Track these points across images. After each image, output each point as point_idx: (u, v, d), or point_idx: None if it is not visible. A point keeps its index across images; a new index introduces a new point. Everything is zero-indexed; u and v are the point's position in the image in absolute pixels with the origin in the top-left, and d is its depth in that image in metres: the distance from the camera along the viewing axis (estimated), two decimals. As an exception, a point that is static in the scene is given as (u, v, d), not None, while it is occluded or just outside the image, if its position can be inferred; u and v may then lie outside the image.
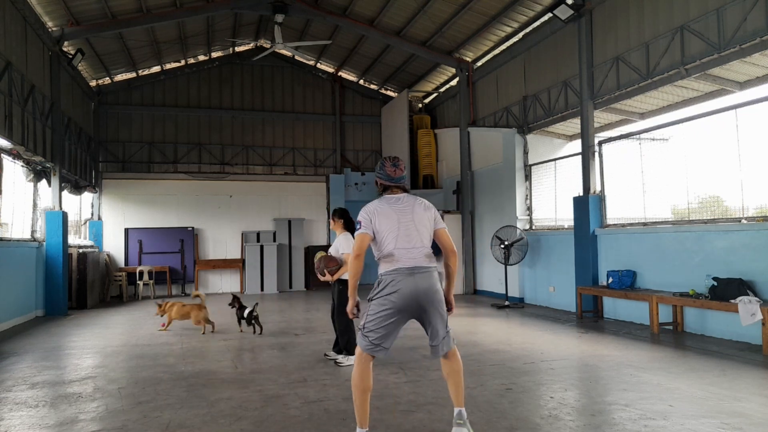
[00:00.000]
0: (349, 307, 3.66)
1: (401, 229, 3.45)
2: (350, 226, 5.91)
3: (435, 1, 11.25)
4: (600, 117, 9.65)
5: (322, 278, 5.90)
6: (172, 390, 4.84)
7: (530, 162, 11.21)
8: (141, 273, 13.51)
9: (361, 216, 3.53)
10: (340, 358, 5.85)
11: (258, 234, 15.35)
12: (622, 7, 8.69)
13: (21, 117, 8.93)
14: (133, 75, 14.83)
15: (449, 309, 3.56)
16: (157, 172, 14.97)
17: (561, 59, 10.19)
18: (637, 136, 8.67)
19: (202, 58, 15.45)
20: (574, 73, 9.69)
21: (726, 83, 7.78)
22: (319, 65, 16.48)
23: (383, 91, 16.97)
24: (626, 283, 8.17)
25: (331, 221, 6.13)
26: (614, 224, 9.06)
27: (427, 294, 3.38)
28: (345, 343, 5.85)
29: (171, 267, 14.42)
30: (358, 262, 3.60)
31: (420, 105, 15.92)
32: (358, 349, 3.46)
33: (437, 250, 3.74)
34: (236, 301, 8.11)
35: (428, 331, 3.49)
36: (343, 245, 5.82)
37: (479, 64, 13.06)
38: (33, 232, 10.15)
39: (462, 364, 3.59)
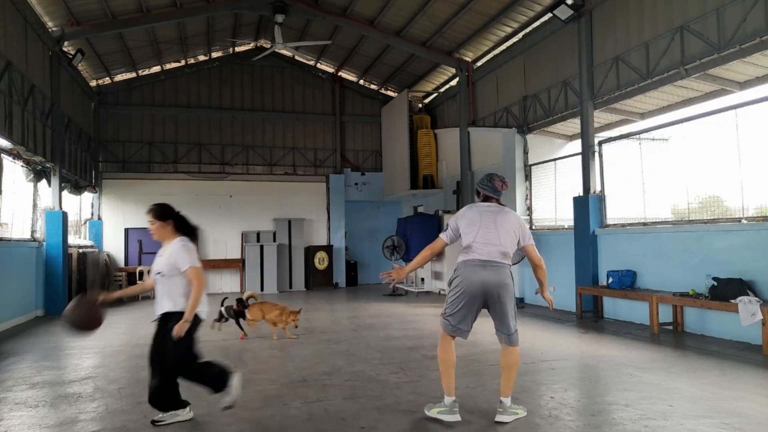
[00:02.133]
0: (396, 273, 4.12)
1: (482, 227, 3.91)
2: (186, 229, 4.06)
3: (435, 1, 11.24)
4: (600, 117, 9.65)
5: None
6: (172, 390, 4.83)
7: (530, 162, 11.21)
8: (141, 273, 13.50)
9: (450, 222, 4.09)
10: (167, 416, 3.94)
11: (258, 234, 15.35)
12: (621, 8, 8.69)
13: (21, 117, 8.94)
14: (133, 75, 14.84)
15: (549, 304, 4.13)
16: (157, 172, 14.97)
17: (561, 59, 10.19)
18: (637, 136, 8.67)
19: (202, 58, 15.45)
20: (574, 73, 9.69)
21: (726, 83, 7.78)
22: (319, 65, 16.48)
23: (383, 91, 16.97)
24: (626, 283, 8.17)
25: (152, 223, 3.98)
26: (614, 224, 9.05)
27: (495, 286, 3.81)
28: (210, 380, 3.93)
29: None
30: (429, 253, 4.15)
31: (420, 105, 15.91)
32: (440, 330, 4.01)
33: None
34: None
35: (495, 320, 3.92)
36: (181, 257, 3.85)
37: (479, 64, 13.06)
38: (33, 232, 10.15)
39: (518, 361, 3.98)
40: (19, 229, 9.75)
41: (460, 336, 3.93)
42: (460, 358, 6.00)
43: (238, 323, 7.54)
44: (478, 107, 13.20)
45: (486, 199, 4.10)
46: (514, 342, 3.89)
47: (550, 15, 9.98)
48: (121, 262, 14.23)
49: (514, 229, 3.94)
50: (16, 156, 9.44)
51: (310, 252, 15.42)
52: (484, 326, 8.30)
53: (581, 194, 9.39)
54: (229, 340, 7.42)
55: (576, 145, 10.34)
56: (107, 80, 14.55)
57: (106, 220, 14.36)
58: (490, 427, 3.76)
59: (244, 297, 7.69)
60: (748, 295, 6.22)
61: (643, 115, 9.59)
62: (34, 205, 10.32)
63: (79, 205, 13.64)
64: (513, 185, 11.31)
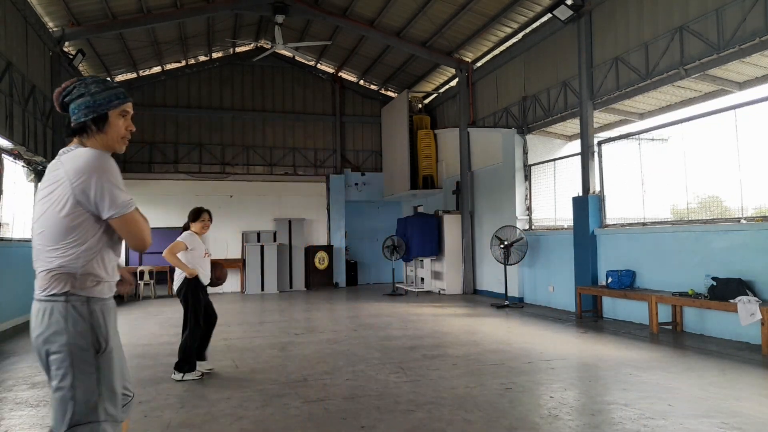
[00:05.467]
0: None
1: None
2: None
3: (435, 1, 11.26)
4: (599, 117, 9.66)
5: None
6: (172, 389, 4.86)
7: (530, 162, 11.23)
8: (142, 273, 13.53)
9: None
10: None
11: (258, 234, 15.36)
12: (621, 8, 8.71)
13: (22, 117, 8.95)
14: (133, 75, 14.86)
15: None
16: (157, 172, 14.99)
17: (560, 60, 10.21)
18: (637, 136, 8.69)
19: (202, 58, 15.47)
20: (574, 73, 9.71)
21: (725, 83, 7.79)
22: (319, 66, 16.50)
23: (383, 91, 16.99)
24: (625, 283, 8.18)
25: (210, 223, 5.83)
26: (613, 224, 9.07)
27: (34, 343, 2.01)
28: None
29: (171, 267, 14.41)
30: None
31: (420, 105, 15.93)
32: None
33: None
34: None
35: None
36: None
37: (479, 64, 13.08)
38: (34, 232, 10.16)
39: None
40: (20, 229, 9.76)
41: None
42: (459, 357, 6.04)
43: None
44: (477, 107, 13.21)
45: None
46: None
47: (549, 15, 10.00)
48: (122, 262, 14.23)
49: (58, 190, 1.99)
50: (16, 156, 9.45)
51: (310, 252, 15.44)
52: (484, 326, 8.37)
53: (581, 194, 9.41)
54: (230, 340, 7.44)
55: (575, 146, 10.36)
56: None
57: (106, 220, 14.37)
58: (490, 427, 3.78)
59: None
60: (748, 294, 6.23)
61: (642, 116, 9.61)
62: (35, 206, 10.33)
63: (79, 205, 13.65)
64: (512, 185, 11.34)
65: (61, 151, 2.07)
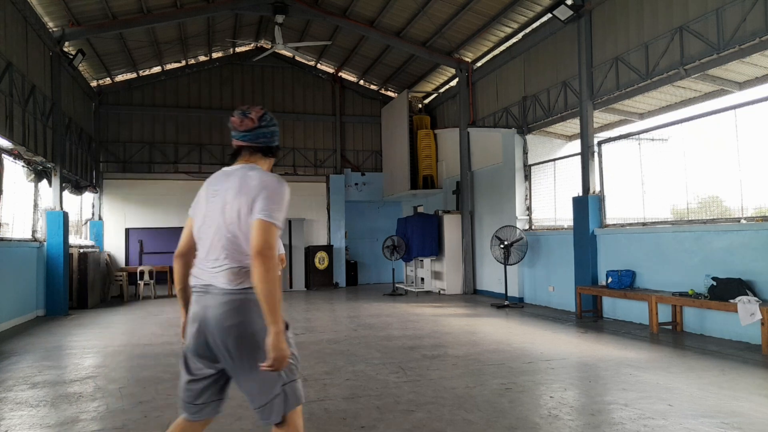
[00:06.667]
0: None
1: (203, 224, 2.37)
2: None
3: (435, 1, 11.26)
4: (599, 117, 9.66)
5: None
6: (173, 389, 4.85)
7: (530, 162, 11.23)
8: (142, 273, 13.52)
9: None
10: None
11: (258, 234, 15.34)
12: (621, 8, 8.71)
13: (22, 117, 8.95)
14: (133, 75, 14.86)
15: (270, 365, 2.10)
16: (157, 172, 15.00)
17: (560, 60, 10.21)
18: (637, 136, 8.69)
19: (202, 58, 15.47)
20: (574, 73, 9.71)
21: (725, 83, 7.80)
22: (319, 66, 16.50)
23: (383, 91, 16.99)
24: (625, 283, 8.18)
25: None
26: (613, 224, 9.07)
27: (216, 329, 2.21)
28: None
29: (171, 267, 14.42)
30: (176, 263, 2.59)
31: (420, 105, 15.93)
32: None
33: None
34: None
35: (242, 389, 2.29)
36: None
37: (479, 64, 13.08)
38: (34, 232, 10.17)
39: None
40: (20, 229, 9.77)
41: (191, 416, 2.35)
42: (459, 357, 6.04)
43: None
44: (477, 107, 13.21)
45: (236, 155, 2.47)
46: (285, 407, 2.23)
47: (549, 15, 9.99)
48: (122, 262, 14.25)
49: (244, 207, 2.23)
50: (16, 156, 9.45)
51: (310, 252, 15.44)
52: (484, 326, 8.37)
53: (581, 194, 9.41)
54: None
55: (575, 146, 10.36)
56: (108, 80, 14.57)
57: (106, 220, 14.38)
58: (490, 427, 3.78)
59: None
60: (748, 294, 6.23)
61: (642, 116, 9.61)
62: (35, 205, 10.34)
63: (79, 205, 13.66)
64: (512, 185, 11.34)
65: (247, 165, 2.38)
